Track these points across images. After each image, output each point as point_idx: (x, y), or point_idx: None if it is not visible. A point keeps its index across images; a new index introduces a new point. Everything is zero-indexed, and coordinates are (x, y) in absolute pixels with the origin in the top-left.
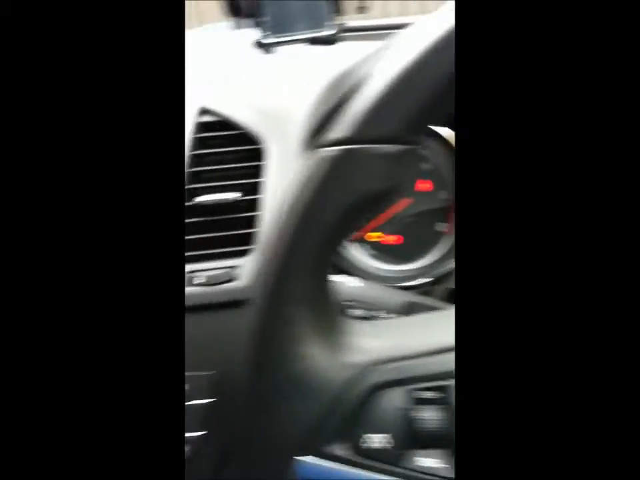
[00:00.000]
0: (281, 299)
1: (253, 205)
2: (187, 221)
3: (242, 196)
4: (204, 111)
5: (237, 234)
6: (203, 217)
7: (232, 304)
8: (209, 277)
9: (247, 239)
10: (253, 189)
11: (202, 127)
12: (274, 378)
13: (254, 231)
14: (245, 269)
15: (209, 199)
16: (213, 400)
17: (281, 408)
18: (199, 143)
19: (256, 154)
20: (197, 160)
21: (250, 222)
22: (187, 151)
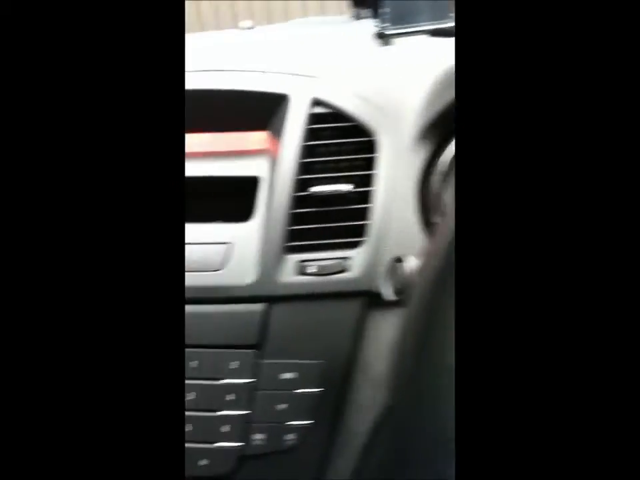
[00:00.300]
0: (445, 289)
1: (364, 197)
2: (299, 211)
3: (354, 188)
4: (316, 102)
5: (348, 225)
6: (315, 207)
7: (343, 295)
8: (321, 267)
9: (359, 231)
10: (365, 181)
11: (314, 118)
12: (434, 369)
13: (365, 223)
14: (357, 261)
15: (321, 190)
16: (321, 390)
17: (441, 399)
18: (311, 134)
19: (368, 146)
20: (309, 151)
21: (361, 214)
22: (300, 142)
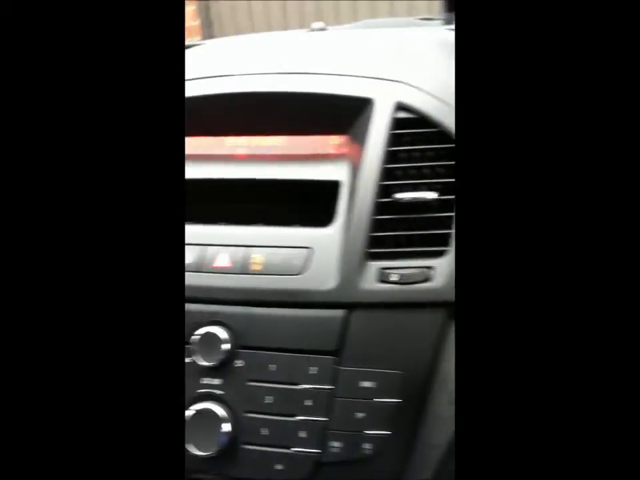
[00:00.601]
0: None
1: (449, 205)
2: (381, 217)
3: (438, 195)
4: (400, 107)
5: (432, 234)
6: (398, 214)
7: (425, 304)
8: (403, 276)
9: (443, 240)
10: (449, 188)
11: (398, 123)
12: None
13: (450, 232)
14: (440, 270)
15: (404, 197)
16: (399, 400)
17: None
18: (394, 139)
19: (452, 152)
20: (392, 156)
21: (446, 222)
22: (383, 147)
